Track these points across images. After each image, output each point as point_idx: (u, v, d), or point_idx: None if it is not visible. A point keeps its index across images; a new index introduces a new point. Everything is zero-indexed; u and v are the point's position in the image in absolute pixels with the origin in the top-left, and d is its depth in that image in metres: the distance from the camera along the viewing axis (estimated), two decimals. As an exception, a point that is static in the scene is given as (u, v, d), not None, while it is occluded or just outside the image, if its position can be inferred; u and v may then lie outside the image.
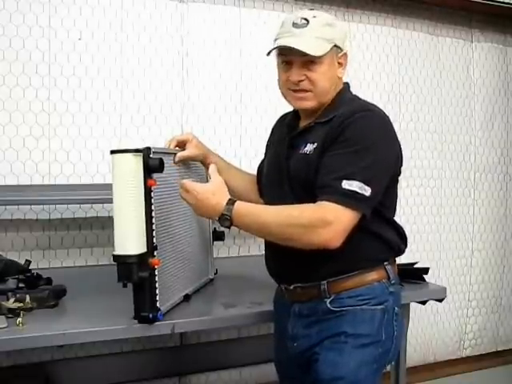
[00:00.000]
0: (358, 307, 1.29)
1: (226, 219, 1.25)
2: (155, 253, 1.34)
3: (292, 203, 1.30)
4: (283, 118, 1.53)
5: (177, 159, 1.54)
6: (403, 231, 1.39)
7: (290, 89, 1.36)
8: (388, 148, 1.29)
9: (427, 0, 2.78)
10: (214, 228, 1.88)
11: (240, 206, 1.25)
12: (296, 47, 1.28)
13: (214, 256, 1.89)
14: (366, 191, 1.20)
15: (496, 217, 3.13)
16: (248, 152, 2.45)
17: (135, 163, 1.30)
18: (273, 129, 1.59)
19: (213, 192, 1.28)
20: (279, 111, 2.52)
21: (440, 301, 1.83)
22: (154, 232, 1.34)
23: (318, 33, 1.29)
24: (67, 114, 2.15)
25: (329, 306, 1.30)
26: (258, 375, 2.48)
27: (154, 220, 1.33)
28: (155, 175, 1.34)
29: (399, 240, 1.38)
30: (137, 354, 2.21)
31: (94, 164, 2.19)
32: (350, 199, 1.19)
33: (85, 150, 2.18)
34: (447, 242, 2.90)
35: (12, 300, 1.40)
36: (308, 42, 1.28)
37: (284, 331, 1.40)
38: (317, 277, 1.31)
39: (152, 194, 1.33)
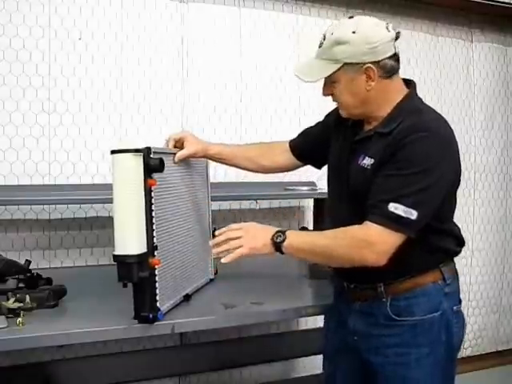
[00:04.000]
0: (418, 318, 1.31)
1: (280, 237, 1.32)
2: (155, 253, 1.34)
3: (349, 210, 1.35)
4: None
5: (176, 159, 1.55)
6: (460, 236, 1.40)
7: None
8: (443, 171, 1.26)
9: (427, 0, 2.78)
10: (214, 228, 1.88)
11: (290, 230, 1.35)
12: (297, 74, 1.36)
13: (214, 256, 1.89)
14: (413, 215, 1.21)
15: (496, 217, 3.14)
16: (248, 152, 2.45)
17: (135, 163, 1.30)
18: (338, 119, 1.52)
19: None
20: (279, 111, 2.55)
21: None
22: (155, 232, 1.33)
23: (326, 54, 1.32)
24: (67, 114, 2.15)
25: (388, 310, 1.33)
26: (258, 375, 2.49)
27: (154, 220, 1.33)
28: (155, 175, 1.34)
29: (455, 246, 1.39)
30: (137, 353, 2.21)
31: (93, 164, 2.19)
32: (394, 223, 1.21)
33: (85, 150, 2.18)
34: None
35: (12, 300, 1.39)
36: (313, 66, 1.34)
37: (344, 325, 1.44)
38: (374, 279, 1.34)
39: (152, 193, 1.33)
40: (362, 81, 1.31)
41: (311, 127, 1.68)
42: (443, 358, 1.34)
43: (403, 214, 1.20)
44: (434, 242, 1.33)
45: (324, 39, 1.32)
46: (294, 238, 1.33)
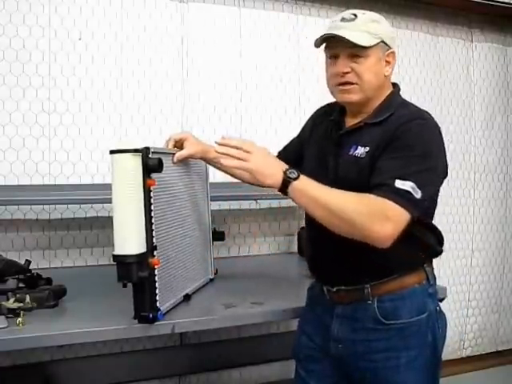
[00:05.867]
0: (406, 320, 1.30)
1: (293, 173, 1.21)
2: (155, 253, 1.34)
3: None
4: (327, 111, 1.49)
5: (175, 159, 1.54)
6: (441, 235, 1.41)
7: (336, 84, 1.35)
8: (440, 158, 1.29)
9: (427, 0, 2.78)
10: (214, 228, 1.88)
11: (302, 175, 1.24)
12: (343, 35, 1.29)
13: (214, 256, 1.89)
14: (417, 193, 1.20)
15: (496, 217, 3.13)
16: (248, 152, 2.45)
17: (134, 163, 1.30)
18: (315, 118, 1.55)
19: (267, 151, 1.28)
20: (279, 111, 2.55)
21: (440, 301, 1.83)
22: (154, 232, 1.34)
23: (364, 27, 1.30)
24: (67, 114, 2.15)
25: (376, 313, 1.30)
26: (258, 375, 2.49)
27: (153, 220, 1.33)
28: (154, 175, 1.34)
29: (437, 244, 1.39)
30: (137, 353, 2.20)
31: (93, 164, 2.19)
32: (403, 199, 1.19)
33: (85, 150, 2.18)
34: (447, 242, 2.87)
35: (12, 300, 1.40)
36: (355, 34, 1.29)
37: (326, 331, 1.39)
38: (361, 280, 1.32)
39: (151, 193, 1.33)
40: (383, 64, 1.34)
41: (288, 145, 1.67)
42: (430, 360, 1.33)
43: (411, 190, 1.19)
44: (420, 235, 1.32)
45: (355, 16, 1.31)
46: (307, 182, 1.22)
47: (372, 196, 1.20)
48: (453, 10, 2.90)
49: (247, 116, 2.49)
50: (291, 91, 2.56)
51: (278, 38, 2.54)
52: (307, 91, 2.56)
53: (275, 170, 1.23)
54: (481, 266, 3.09)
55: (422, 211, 1.24)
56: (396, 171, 1.21)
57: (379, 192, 1.20)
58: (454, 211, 2.97)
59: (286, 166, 1.24)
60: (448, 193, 2.91)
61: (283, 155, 1.67)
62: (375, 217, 1.17)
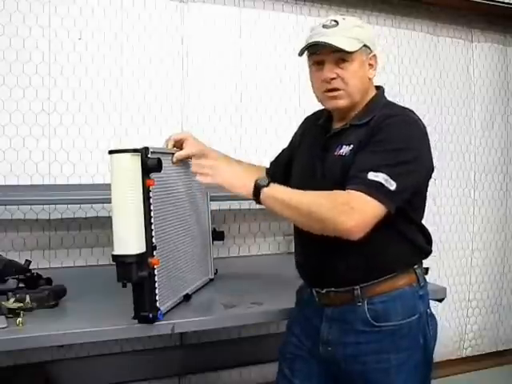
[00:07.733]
0: (397, 323, 1.30)
1: (263, 181, 1.28)
2: (154, 252, 1.34)
3: None
4: (316, 118, 1.51)
5: (174, 159, 1.54)
6: (430, 235, 1.40)
7: (323, 91, 1.36)
8: (420, 153, 1.29)
9: (427, 0, 2.78)
10: (214, 228, 1.88)
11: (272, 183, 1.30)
12: (329, 42, 1.29)
13: (214, 256, 1.89)
14: (391, 185, 1.20)
15: (496, 217, 3.13)
16: (248, 152, 2.45)
17: (133, 163, 1.30)
18: (304, 126, 1.58)
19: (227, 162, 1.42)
20: (279, 111, 2.55)
21: (440, 301, 1.83)
22: (153, 232, 1.34)
23: (347, 32, 1.31)
24: (67, 114, 2.15)
25: (366, 315, 1.30)
26: (258, 375, 2.48)
27: (152, 220, 1.33)
28: (154, 175, 1.34)
29: (426, 245, 1.39)
30: (137, 353, 2.21)
31: (93, 164, 2.20)
32: (374, 190, 1.19)
33: (85, 149, 2.19)
34: (447, 242, 2.90)
35: (12, 300, 1.40)
36: (339, 40, 1.30)
37: (315, 334, 1.38)
38: (350, 282, 1.31)
39: (151, 193, 1.33)
40: (367, 68, 1.36)
41: (279, 155, 1.67)
42: (421, 362, 1.33)
43: (383, 182, 1.19)
44: (409, 235, 1.32)
45: (336, 22, 1.32)
46: (277, 188, 1.29)
47: (338, 191, 1.23)
48: (453, 10, 2.90)
49: (247, 116, 2.49)
50: (291, 91, 2.56)
51: (278, 38, 2.54)
52: (307, 91, 2.55)
53: (246, 181, 1.31)
54: (481, 265, 3.09)
55: (399, 203, 1.23)
56: (369, 164, 1.22)
57: (351, 184, 1.22)
58: (454, 211, 2.97)
59: (257, 176, 1.31)
60: (448, 193, 2.91)
61: (274, 166, 1.67)
62: (340, 209, 1.19)
